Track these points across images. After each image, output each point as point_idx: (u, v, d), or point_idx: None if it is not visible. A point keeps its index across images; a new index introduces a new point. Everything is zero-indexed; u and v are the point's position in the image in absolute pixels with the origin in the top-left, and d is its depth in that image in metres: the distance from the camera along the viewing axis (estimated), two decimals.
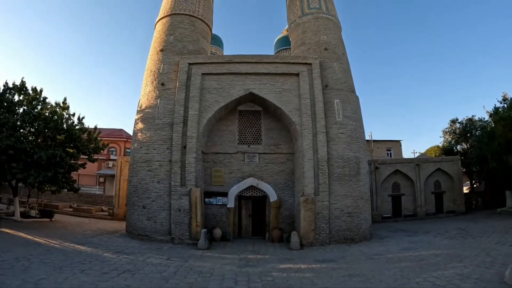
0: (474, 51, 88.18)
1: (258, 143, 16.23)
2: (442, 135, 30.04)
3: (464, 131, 27.84)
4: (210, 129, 15.96)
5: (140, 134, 15.56)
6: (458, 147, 28.66)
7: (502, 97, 21.63)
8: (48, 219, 18.19)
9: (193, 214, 13.78)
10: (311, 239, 13.48)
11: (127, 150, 32.77)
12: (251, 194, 15.83)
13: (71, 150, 16.79)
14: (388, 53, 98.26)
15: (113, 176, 28.92)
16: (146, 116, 15.65)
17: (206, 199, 15.18)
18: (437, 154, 29.86)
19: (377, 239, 14.66)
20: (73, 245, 11.82)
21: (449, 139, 29.56)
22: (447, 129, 29.86)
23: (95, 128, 19.01)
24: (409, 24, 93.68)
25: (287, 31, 30.15)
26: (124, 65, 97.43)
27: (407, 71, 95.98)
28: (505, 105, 20.64)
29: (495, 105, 22.34)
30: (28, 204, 20.27)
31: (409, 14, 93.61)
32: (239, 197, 15.72)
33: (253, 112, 16.63)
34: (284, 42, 28.49)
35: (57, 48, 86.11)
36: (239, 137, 16.29)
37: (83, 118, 17.91)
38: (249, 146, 16.11)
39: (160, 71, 16.30)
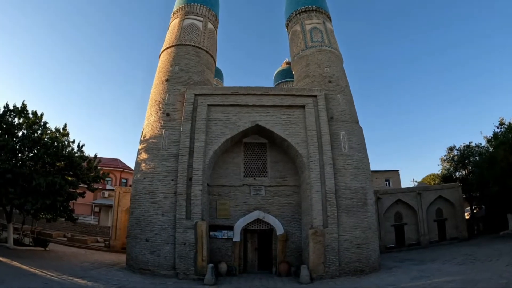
0: (468, 79, 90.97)
1: (264, 176, 16.09)
2: (440, 163, 30.63)
3: (462, 157, 28.23)
4: (215, 161, 15.78)
5: (143, 164, 15.30)
6: (457, 173, 28.95)
7: (499, 122, 22.29)
8: (42, 248, 17.46)
9: (199, 248, 13.37)
10: (321, 272, 13.15)
11: (123, 180, 32.34)
12: (257, 227, 15.51)
13: (70, 178, 16.38)
14: (382, 82, 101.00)
15: (108, 206, 28.28)
16: (150, 146, 15.47)
17: (211, 233, 14.78)
18: (436, 182, 30.07)
19: (385, 269, 14.44)
20: (71, 278, 11.26)
21: (448, 166, 29.95)
22: (445, 157, 30.34)
23: (95, 156, 18.69)
24: (403, 51, 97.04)
25: (286, 64, 31.00)
26: (121, 94, 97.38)
27: (401, 101, 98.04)
28: (502, 130, 21.18)
29: (494, 130, 22.85)
30: (22, 231, 19.48)
31: (403, 44, 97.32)
32: (245, 231, 15.34)
33: (258, 144, 16.60)
34: (284, 75, 29.07)
35: (51, 74, 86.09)
36: (245, 169, 16.14)
37: (83, 145, 17.60)
38: (255, 178, 15.94)
39: (165, 101, 16.30)
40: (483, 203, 25.24)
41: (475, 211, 27.79)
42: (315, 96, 16.04)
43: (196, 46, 18.10)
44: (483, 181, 20.30)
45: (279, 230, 15.08)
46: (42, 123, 16.42)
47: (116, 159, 34.92)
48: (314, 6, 19.55)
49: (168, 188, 14.41)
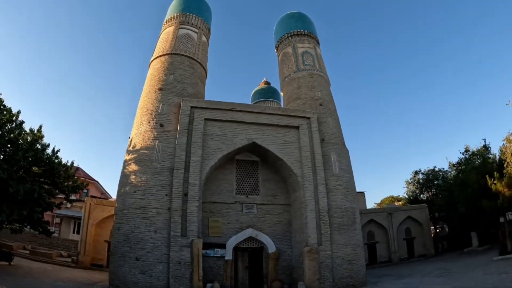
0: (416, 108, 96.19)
1: (256, 194, 16.16)
2: (405, 185, 33.05)
3: (427, 180, 30.65)
4: (208, 177, 15.49)
5: (133, 176, 14.53)
6: (421, 195, 31.25)
7: (464, 149, 25.19)
8: (7, 263, 15.52)
9: (195, 267, 12.95)
10: None
11: (84, 191, 30.21)
12: (248, 245, 15.42)
13: (46, 187, 14.94)
14: (341, 106, 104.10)
15: (71, 217, 26.20)
16: (141, 157, 14.78)
17: (203, 251, 14.33)
18: (398, 204, 32.27)
19: (371, 284, 15.16)
20: None
21: (413, 188, 32.31)
22: (410, 180, 32.72)
23: (72, 164, 17.26)
24: (368, 74, 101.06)
25: (265, 83, 31.52)
26: (82, 96, 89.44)
27: (360, 129, 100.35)
28: (467, 156, 23.88)
29: (464, 156, 25.62)
30: None
31: (368, 65, 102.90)
32: (235, 249, 15.09)
33: (250, 162, 16.69)
34: (263, 94, 29.63)
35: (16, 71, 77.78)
36: (237, 187, 16.07)
37: (58, 151, 16.08)
38: (247, 196, 15.93)
39: (159, 111, 15.79)
40: (449, 222, 27.68)
41: (437, 230, 30.37)
42: (308, 118, 16.65)
43: (190, 57, 17.85)
44: (452, 202, 22.52)
45: (271, 248, 15.15)
46: (18, 122, 14.77)
47: (77, 167, 32.39)
48: (306, 31, 20.43)
49: (161, 204, 13.82)
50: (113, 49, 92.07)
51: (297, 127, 16.34)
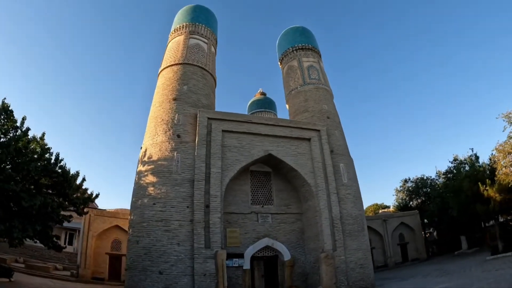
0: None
1: (270, 204, 16.60)
2: (395, 193, 34.77)
3: (417, 188, 32.45)
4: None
5: (152, 188, 14.42)
6: (410, 203, 32.93)
7: (453, 158, 27.19)
8: (7, 279, 14.59)
9: (220, 278, 13.08)
10: None
11: None
12: (263, 254, 15.78)
13: (56, 199, 14.33)
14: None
15: (62, 228, 24.97)
16: (159, 169, 14.69)
17: None
18: (396, 210, 33.53)
19: (378, 286, 15.92)
20: None
21: (403, 196, 34.02)
22: (400, 188, 34.45)
23: (78, 174, 16.66)
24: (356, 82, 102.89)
25: (261, 94, 31.91)
26: (69, 100, 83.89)
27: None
28: (455, 165, 25.77)
29: (453, 165, 27.58)
30: None
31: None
32: (251, 258, 15.39)
33: (263, 172, 17.13)
34: (260, 105, 30.10)
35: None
36: (252, 197, 16.43)
37: (61, 160, 15.51)
38: (262, 206, 16.32)
39: (175, 121, 15.80)
40: (438, 227, 29.45)
41: (427, 235, 32.20)
42: (319, 131, 17.37)
43: (202, 68, 18.03)
44: (443, 207, 24.18)
45: (286, 256, 15.60)
46: (24, 129, 14.01)
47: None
48: (310, 45, 21.24)
49: (183, 216, 13.84)
50: (106, 53, 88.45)
51: (309, 139, 16.99)
